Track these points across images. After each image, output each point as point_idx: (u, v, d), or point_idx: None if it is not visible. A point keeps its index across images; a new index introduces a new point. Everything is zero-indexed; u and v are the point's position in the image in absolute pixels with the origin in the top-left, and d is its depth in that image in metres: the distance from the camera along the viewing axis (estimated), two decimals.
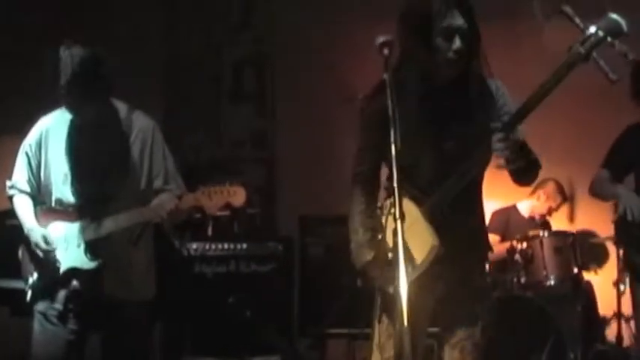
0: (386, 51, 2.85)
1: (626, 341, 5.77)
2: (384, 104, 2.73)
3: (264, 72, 7.47)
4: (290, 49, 7.19)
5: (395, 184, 2.70)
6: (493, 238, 6.25)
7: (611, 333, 5.91)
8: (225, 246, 5.59)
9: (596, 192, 4.70)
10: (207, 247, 5.57)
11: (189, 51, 7.35)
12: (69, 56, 3.50)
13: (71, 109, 3.64)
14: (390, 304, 2.99)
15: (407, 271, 2.60)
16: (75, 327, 3.65)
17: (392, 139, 2.73)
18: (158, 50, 7.28)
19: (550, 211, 6.38)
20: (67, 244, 3.62)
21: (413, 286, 2.64)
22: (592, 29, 2.51)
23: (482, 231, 3.19)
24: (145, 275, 3.79)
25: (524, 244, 5.73)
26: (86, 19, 6.59)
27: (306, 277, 5.81)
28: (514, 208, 6.43)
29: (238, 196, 3.54)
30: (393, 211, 2.66)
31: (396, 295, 2.71)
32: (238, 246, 5.60)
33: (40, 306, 3.68)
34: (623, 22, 2.48)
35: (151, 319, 3.97)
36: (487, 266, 3.29)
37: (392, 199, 2.72)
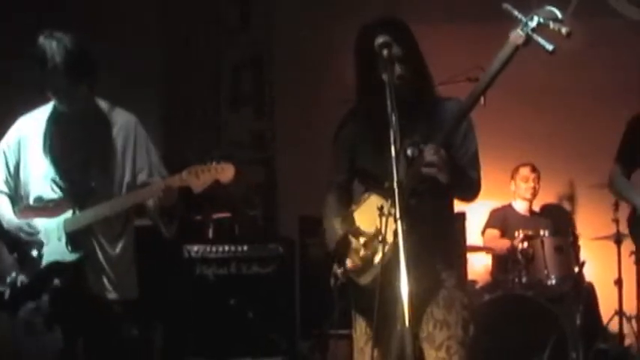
0: (385, 52, 2.91)
1: (628, 340, 5.78)
2: (354, 130, 3.19)
3: (262, 74, 7.47)
4: (288, 51, 7.20)
5: (395, 185, 2.74)
6: (493, 232, 6.34)
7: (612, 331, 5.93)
8: (226, 248, 5.60)
9: (614, 191, 4.69)
10: (208, 249, 5.57)
11: (187, 53, 7.35)
12: (54, 41, 3.46)
13: (60, 95, 3.59)
14: (362, 299, 3.06)
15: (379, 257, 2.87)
16: (64, 333, 3.56)
17: (392, 139, 2.78)
18: (157, 53, 7.28)
19: (534, 193, 6.41)
20: (47, 238, 3.56)
21: (384, 277, 2.81)
22: (529, 17, 2.74)
23: (449, 235, 3.24)
24: (128, 274, 3.73)
25: (525, 244, 5.74)
26: (82, 21, 6.59)
27: (307, 278, 5.80)
28: (510, 206, 6.50)
29: (226, 172, 3.48)
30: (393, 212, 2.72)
31: (370, 288, 2.93)
32: (239, 248, 5.60)
33: (24, 313, 3.58)
34: (557, 10, 2.71)
35: (135, 319, 3.88)
36: (460, 269, 3.27)
37: (367, 194, 3.10)
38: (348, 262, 3.09)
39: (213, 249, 5.58)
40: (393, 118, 2.81)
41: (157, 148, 3.76)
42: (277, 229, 7.03)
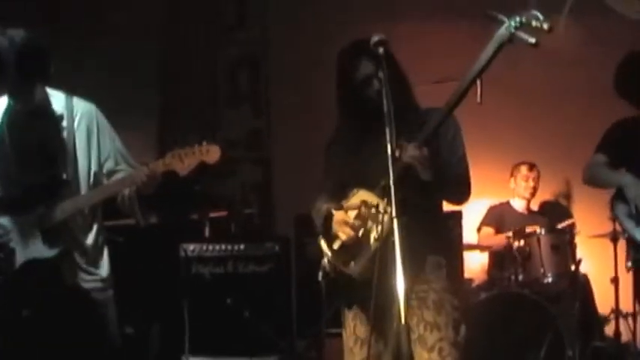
0: (381, 49, 2.94)
1: (624, 337, 5.78)
2: (344, 142, 3.25)
3: (259, 72, 7.48)
4: (285, 50, 7.19)
5: (391, 183, 2.75)
6: (488, 230, 6.35)
7: (608, 329, 5.93)
8: (223, 247, 5.59)
9: (593, 178, 4.54)
10: (204, 248, 5.57)
11: (184, 52, 7.35)
12: (6, 39, 3.39)
13: (16, 93, 3.53)
14: (351, 293, 3.10)
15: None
16: (48, 330, 3.47)
17: (388, 138, 2.80)
18: (154, 52, 7.28)
19: (533, 192, 6.44)
20: (19, 237, 3.49)
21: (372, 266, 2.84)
22: (512, 18, 2.84)
23: (437, 235, 3.21)
24: (100, 260, 3.62)
25: (522, 242, 5.74)
26: (79, 19, 6.59)
27: (303, 277, 5.80)
28: (508, 204, 6.51)
29: (212, 153, 3.37)
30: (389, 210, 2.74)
31: (359, 280, 2.97)
32: (235, 247, 5.60)
33: (4, 316, 3.48)
34: (539, 13, 2.82)
35: (117, 302, 3.75)
36: (452, 269, 3.23)
37: (356, 189, 3.11)
38: (342, 236, 3.09)
39: (210, 248, 5.58)
40: (389, 116, 2.82)
41: (150, 144, 3.71)
42: (273, 228, 7.03)
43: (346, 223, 3.08)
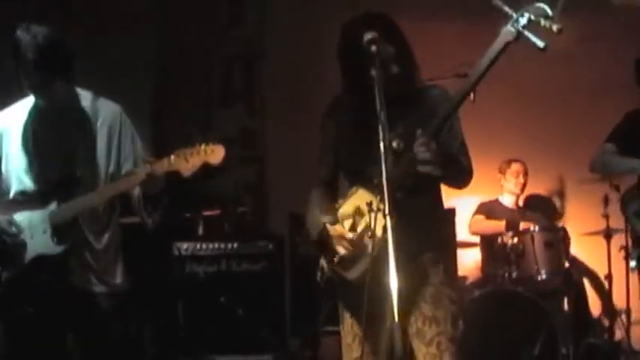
0: (373, 48, 2.91)
1: (618, 335, 5.79)
2: (339, 123, 3.17)
3: (253, 71, 7.47)
4: (280, 49, 7.19)
5: (384, 181, 2.73)
6: (479, 218, 6.40)
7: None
8: (216, 245, 5.59)
9: (605, 165, 4.53)
10: (198, 246, 5.57)
11: (178, 51, 7.34)
12: (29, 35, 3.39)
13: (37, 90, 3.53)
14: (349, 295, 3.09)
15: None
16: (52, 328, 3.49)
17: (380, 135, 2.77)
18: (148, 50, 7.26)
19: (523, 188, 6.47)
20: (31, 232, 3.50)
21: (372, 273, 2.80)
22: (520, 13, 2.75)
23: (435, 230, 3.19)
24: (114, 266, 3.65)
25: (515, 239, 5.75)
26: (75, 18, 6.57)
27: (297, 275, 5.80)
28: (497, 201, 6.54)
29: (216, 153, 3.40)
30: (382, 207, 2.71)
31: (357, 283, 2.95)
32: (229, 245, 5.60)
33: (8, 312, 3.50)
34: (547, 7, 2.73)
35: (125, 317, 3.83)
36: (449, 264, 3.22)
37: (355, 188, 3.08)
38: (341, 251, 3.06)
39: (203, 246, 5.58)
40: (382, 114, 2.80)
41: (145, 143, 3.71)
42: (267, 227, 7.02)
43: (344, 238, 3.04)
